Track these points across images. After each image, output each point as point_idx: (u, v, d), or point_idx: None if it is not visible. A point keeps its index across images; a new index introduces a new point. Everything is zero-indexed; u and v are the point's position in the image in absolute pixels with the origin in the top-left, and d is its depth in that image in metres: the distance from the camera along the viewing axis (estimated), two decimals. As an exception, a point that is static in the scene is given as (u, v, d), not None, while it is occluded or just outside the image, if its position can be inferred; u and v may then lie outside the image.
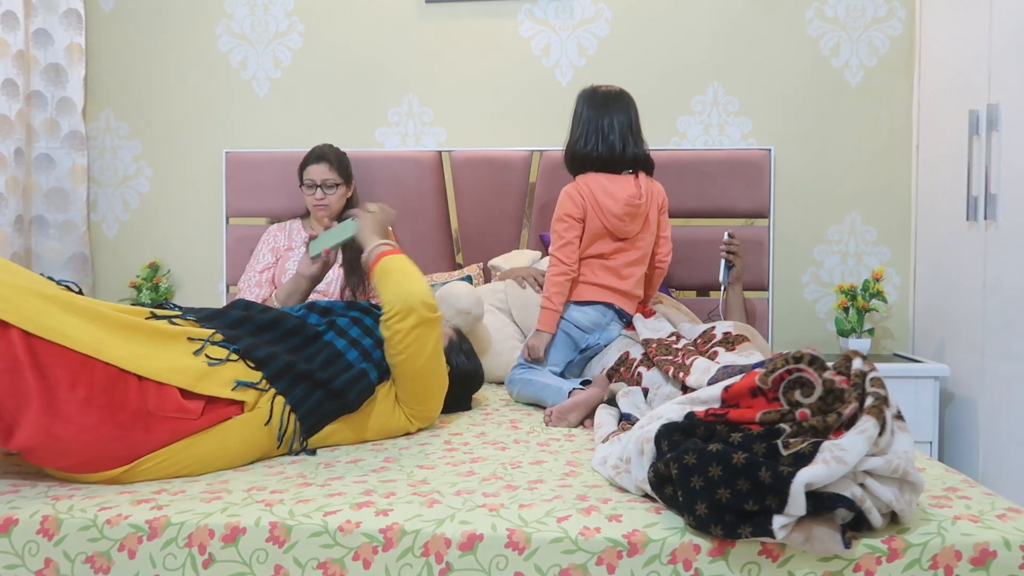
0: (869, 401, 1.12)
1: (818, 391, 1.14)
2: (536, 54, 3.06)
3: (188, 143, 3.19)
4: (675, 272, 2.88)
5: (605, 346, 2.24)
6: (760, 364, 1.45)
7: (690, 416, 1.22)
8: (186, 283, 3.19)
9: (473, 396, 2.11)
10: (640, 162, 2.24)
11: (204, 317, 1.62)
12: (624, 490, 1.30)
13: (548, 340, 2.20)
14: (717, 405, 1.23)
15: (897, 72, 2.92)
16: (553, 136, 3.01)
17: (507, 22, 3.06)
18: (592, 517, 1.17)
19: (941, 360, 2.67)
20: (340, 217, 2.63)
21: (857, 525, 1.09)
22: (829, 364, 1.18)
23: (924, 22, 2.84)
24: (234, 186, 3.05)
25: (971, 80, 2.46)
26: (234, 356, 1.50)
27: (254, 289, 2.66)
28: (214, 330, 1.55)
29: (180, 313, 1.58)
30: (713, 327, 2.02)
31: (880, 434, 1.09)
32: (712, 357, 1.83)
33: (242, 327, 1.61)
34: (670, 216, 2.42)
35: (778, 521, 1.02)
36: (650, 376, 1.91)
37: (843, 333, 2.76)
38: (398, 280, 1.70)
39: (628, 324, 2.26)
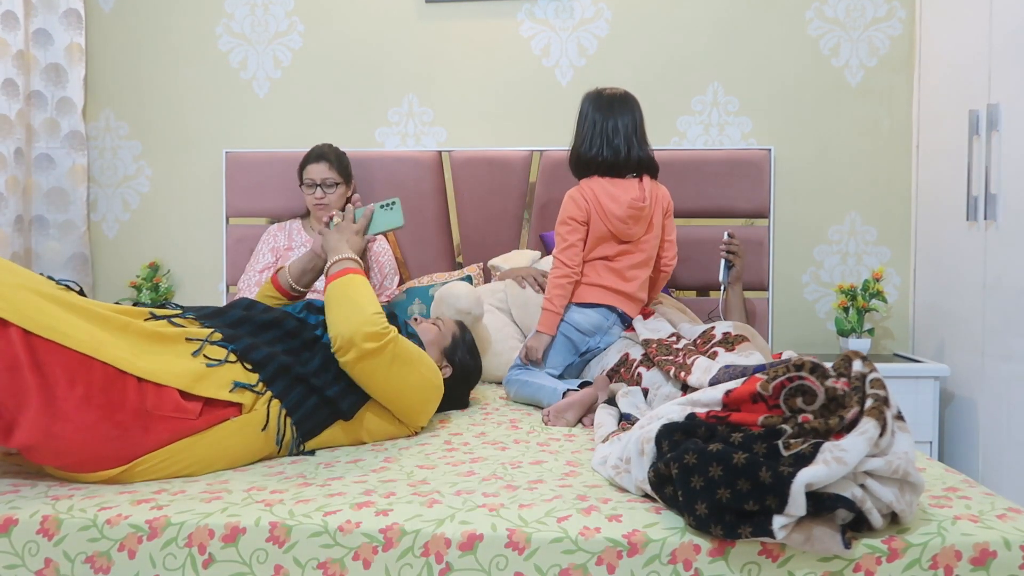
0: (869, 402, 1.12)
1: (820, 399, 1.14)
2: (536, 54, 3.06)
3: (188, 143, 3.19)
4: (675, 272, 2.87)
5: (604, 349, 2.24)
6: (761, 368, 1.46)
7: (691, 417, 1.22)
8: (186, 283, 3.19)
9: (471, 393, 2.11)
10: (644, 165, 2.24)
11: (205, 316, 1.62)
12: (624, 490, 1.30)
13: (547, 342, 2.20)
14: (718, 408, 1.23)
15: (897, 72, 2.92)
16: (553, 136, 3.01)
17: (507, 22, 3.06)
18: (592, 517, 1.17)
19: (941, 360, 2.67)
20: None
21: (857, 525, 1.09)
22: (828, 366, 1.18)
23: (924, 22, 2.84)
24: (234, 186, 3.05)
25: (971, 80, 2.46)
26: (232, 357, 1.49)
27: (254, 289, 2.66)
28: (213, 329, 1.55)
29: (180, 312, 1.58)
30: (713, 327, 2.02)
31: (880, 435, 1.09)
32: (712, 357, 1.83)
33: (242, 327, 1.61)
34: (671, 216, 2.42)
35: (778, 521, 1.02)
36: (650, 376, 1.91)
37: (843, 333, 2.76)
38: (338, 313, 1.60)
39: (629, 326, 2.26)
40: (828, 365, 1.19)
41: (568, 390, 1.98)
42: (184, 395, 1.39)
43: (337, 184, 2.70)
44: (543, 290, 2.50)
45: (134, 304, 1.59)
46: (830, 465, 1.03)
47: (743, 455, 1.07)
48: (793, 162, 2.98)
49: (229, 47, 3.16)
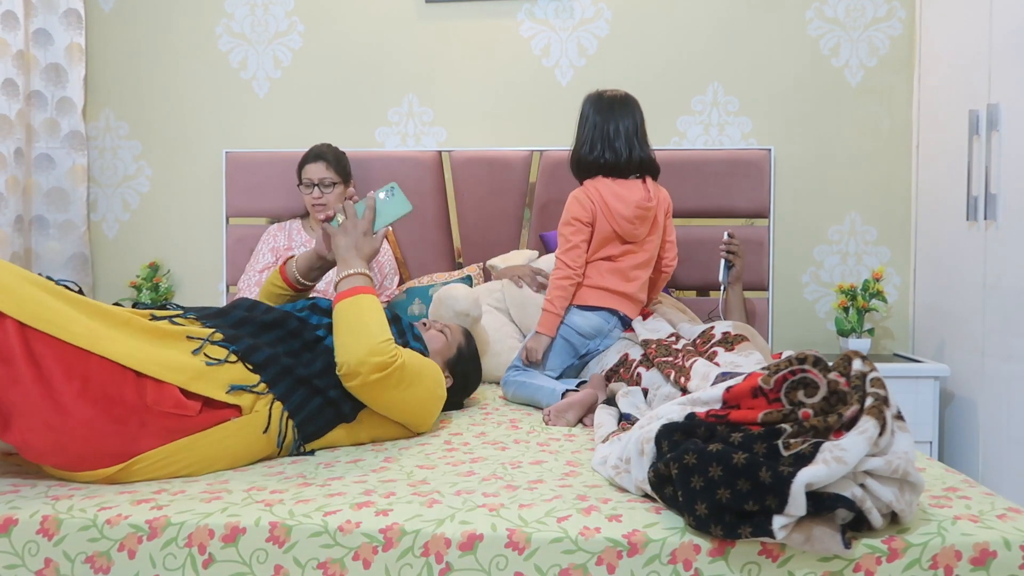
0: (869, 402, 1.12)
1: (822, 391, 1.14)
2: (536, 54, 3.06)
3: (188, 143, 3.19)
4: (675, 272, 2.86)
5: (604, 351, 2.24)
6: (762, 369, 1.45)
7: (691, 416, 1.22)
8: (186, 283, 3.19)
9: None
10: (646, 166, 2.24)
11: (206, 316, 1.62)
12: (624, 490, 1.30)
13: (547, 343, 2.19)
14: (718, 406, 1.23)
15: (897, 72, 2.92)
16: (553, 136, 3.01)
17: (507, 22, 3.06)
18: (592, 517, 1.17)
19: (941, 360, 2.67)
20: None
21: (857, 525, 1.09)
22: (829, 364, 1.18)
23: (924, 22, 2.84)
24: (234, 186, 3.05)
25: (971, 80, 2.46)
26: (233, 357, 1.49)
27: (254, 289, 2.66)
28: (214, 329, 1.55)
29: (182, 312, 1.58)
30: (712, 327, 2.02)
31: (880, 434, 1.09)
32: (711, 357, 1.83)
33: (244, 327, 1.60)
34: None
35: (778, 521, 1.02)
36: (649, 376, 1.91)
37: (843, 333, 2.76)
38: (345, 337, 1.56)
39: (628, 328, 2.26)
40: (829, 363, 1.19)
41: (567, 390, 1.98)
42: (184, 393, 1.39)
43: (335, 184, 2.70)
44: (540, 288, 2.50)
45: (134, 305, 1.59)
46: (830, 465, 1.03)
47: (743, 455, 1.07)
48: (793, 162, 2.98)
49: (229, 47, 3.16)
